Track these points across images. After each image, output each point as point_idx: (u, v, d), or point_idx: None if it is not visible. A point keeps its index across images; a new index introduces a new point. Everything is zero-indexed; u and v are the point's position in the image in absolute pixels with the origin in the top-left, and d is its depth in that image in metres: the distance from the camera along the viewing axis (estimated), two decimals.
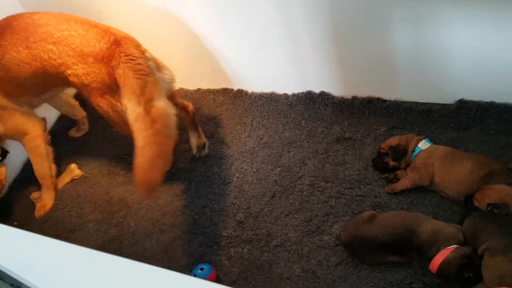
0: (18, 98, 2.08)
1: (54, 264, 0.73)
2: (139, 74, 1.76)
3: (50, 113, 2.66)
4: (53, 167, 2.28)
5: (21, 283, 0.79)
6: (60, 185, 2.35)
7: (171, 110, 1.83)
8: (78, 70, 1.80)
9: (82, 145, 2.55)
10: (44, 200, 2.28)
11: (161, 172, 1.72)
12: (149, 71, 1.81)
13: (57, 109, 2.62)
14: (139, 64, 1.78)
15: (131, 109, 1.74)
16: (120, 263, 0.62)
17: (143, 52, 1.84)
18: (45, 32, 1.85)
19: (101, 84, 1.79)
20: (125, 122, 1.88)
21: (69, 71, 1.82)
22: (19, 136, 2.17)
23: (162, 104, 1.79)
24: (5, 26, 1.92)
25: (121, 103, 1.80)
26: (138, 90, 1.74)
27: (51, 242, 0.76)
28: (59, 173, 2.37)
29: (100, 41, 1.80)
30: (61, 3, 2.35)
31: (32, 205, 2.31)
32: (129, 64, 1.76)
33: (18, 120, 2.11)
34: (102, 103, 1.84)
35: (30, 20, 1.90)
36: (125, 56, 1.77)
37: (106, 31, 1.84)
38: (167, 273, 0.61)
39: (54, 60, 1.83)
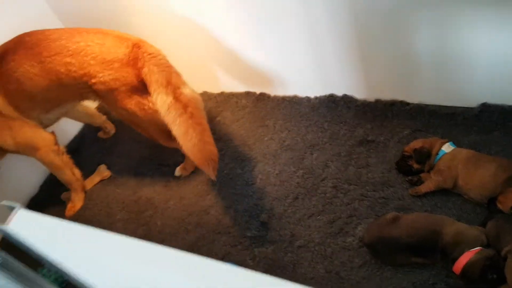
0: (28, 113, 2.07)
1: (101, 254, 0.77)
2: (163, 67, 1.87)
3: None
4: (76, 171, 2.32)
5: (62, 270, 0.84)
6: (89, 185, 2.42)
7: (198, 95, 1.94)
8: (104, 77, 1.86)
9: (110, 146, 2.63)
10: (74, 201, 2.35)
11: (213, 144, 1.87)
12: (170, 64, 1.92)
13: (77, 120, 2.65)
14: (160, 59, 1.88)
15: (161, 101, 1.84)
16: (163, 253, 0.67)
17: (158, 50, 1.93)
18: (59, 46, 1.89)
19: (130, 86, 1.86)
20: (150, 121, 1.95)
21: (93, 80, 1.87)
22: (30, 151, 2.15)
23: (188, 90, 1.90)
24: (18, 42, 1.97)
25: (148, 100, 1.89)
26: (165, 82, 1.84)
27: (91, 231, 0.79)
28: (89, 172, 2.44)
29: (119, 47, 1.86)
30: (97, 16, 2.46)
31: (63, 205, 2.39)
32: (152, 61, 1.85)
33: (27, 133, 2.09)
34: (130, 104, 1.91)
35: (42, 36, 1.95)
36: (148, 55, 1.86)
37: (119, 37, 1.91)
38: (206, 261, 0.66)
39: (75, 72, 1.88)
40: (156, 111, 1.88)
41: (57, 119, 2.26)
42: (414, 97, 2.17)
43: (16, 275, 0.98)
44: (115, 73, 1.85)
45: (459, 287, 1.56)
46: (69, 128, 2.75)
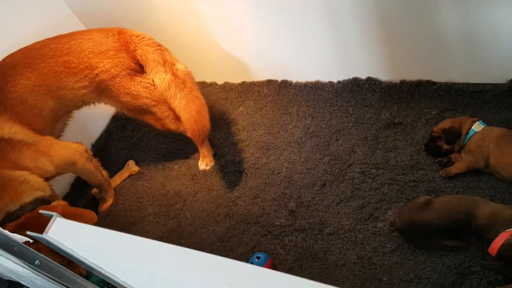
0: (43, 131, 2.01)
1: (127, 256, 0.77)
2: (155, 46, 1.98)
3: (104, 113, 2.79)
4: (104, 172, 2.33)
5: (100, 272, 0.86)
6: (119, 181, 2.46)
7: (190, 70, 2.06)
8: (106, 66, 1.96)
9: (136, 142, 2.66)
10: (105, 198, 2.39)
11: (208, 119, 2.04)
12: (159, 43, 2.02)
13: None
14: (149, 39, 2.00)
15: (160, 78, 1.97)
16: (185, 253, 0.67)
17: (142, 32, 2.03)
18: (50, 50, 1.94)
19: (129, 69, 1.98)
20: (153, 98, 2.05)
21: (96, 71, 1.97)
22: (69, 167, 2.11)
23: (182, 66, 2.03)
24: (3, 66, 1.94)
25: (147, 78, 2.00)
26: (161, 60, 1.96)
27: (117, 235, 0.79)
28: (116, 168, 2.49)
29: (107, 37, 1.98)
30: (118, 16, 2.48)
31: (93, 201, 2.45)
32: (143, 42, 1.97)
33: (59, 151, 2.03)
34: (134, 86, 2.00)
35: (25, 50, 1.97)
36: (136, 37, 1.98)
37: (101, 30, 2.02)
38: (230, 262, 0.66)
39: (74, 67, 1.94)
40: (157, 88, 2.01)
41: (61, 130, 2.22)
42: (441, 76, 2.11)
43: (53, 275, 1.02)
44: (113, 60, 1.97)
45: (496, 268, 1.54)
46: (95, 125, 2.79)
